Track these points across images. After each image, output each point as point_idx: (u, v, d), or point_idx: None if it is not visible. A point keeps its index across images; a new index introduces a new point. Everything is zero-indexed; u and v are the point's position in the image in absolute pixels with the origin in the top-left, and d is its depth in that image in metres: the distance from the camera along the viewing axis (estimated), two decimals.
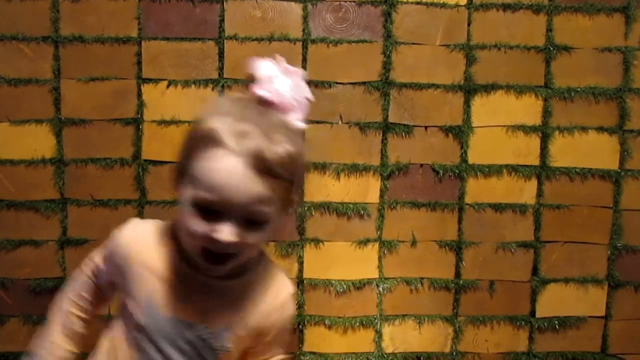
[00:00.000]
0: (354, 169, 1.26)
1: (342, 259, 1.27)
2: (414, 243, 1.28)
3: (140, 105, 1.22)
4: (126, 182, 1.23)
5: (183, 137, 0.69)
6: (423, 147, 1.27)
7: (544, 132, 1.28)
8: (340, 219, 1.27)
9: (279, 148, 0.64)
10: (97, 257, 0.80)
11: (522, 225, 1.30)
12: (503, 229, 1.29)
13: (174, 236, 0.72)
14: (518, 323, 1.31)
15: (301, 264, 1.27)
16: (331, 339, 1.29)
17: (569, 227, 1.30)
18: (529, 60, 1.27)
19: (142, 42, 1.21)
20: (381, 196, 1.27)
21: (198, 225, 0.65)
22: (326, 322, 1.28)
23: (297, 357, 1.28)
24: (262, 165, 0.62)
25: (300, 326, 1.28)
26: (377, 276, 1.29)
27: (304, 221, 1.26)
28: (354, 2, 1.23)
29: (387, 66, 1.25)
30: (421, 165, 1.28)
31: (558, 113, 1.28)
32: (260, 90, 0.69)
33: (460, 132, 1.27)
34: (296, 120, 0.71)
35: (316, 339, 1.29)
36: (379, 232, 1.28)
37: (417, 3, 1.24)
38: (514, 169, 1.28)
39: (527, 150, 1.28)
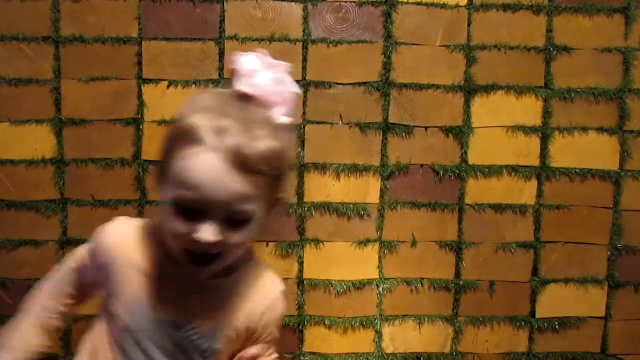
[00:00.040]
0: (354, 170, 1.26)
1: (343, 260, 1.28)
2: (414, 243, 1.28)
3: (141, 105, 1.22)
4: (127, 182, 1.23)
5: (164, 135, 0.67)
6: (423, 147, 1.27)
7: (544, 132, 1.28)
8: (340, 220, 1.27)
9: (261, 144, 0.62)
10: (79, 255, 0.78)
11: (522, 225, 1.30)
12: (503, 230, 1.29)
13: (160, 235, 0.70)
14: (518, 323, 1.31)
15: (301, 264, 1.27)
16: (331, 339, 1.29)
17: (569, 228, 1.30)
18: (529, 61, 1.27)
19: (143, 43, 1.22)
20: (381, 196, 1.27)
21: (179, 225, 0.63)
22: (326, 322, 1.28)
23: (297, 357, 1.28)
24: (242, 162, 0.61)
25: (300, 326, 1.28)
26: (378, 276, 1.29)
27: (304, 221, 1.26)
28: (355, 2, 1.24)
29: (387, 67, 1.25)
30: (421, 165, 1.28)
31: (558, 114, 1.28)
32: (241, 85, 0.67)
33: (460, 133, 1.27)
34: (281, 115, 0.68)
35: (316, 339, 1.29)
36: (379, 233, 1.28)
37: (418, 4, 1.24)
38: (514, 170, 1.29)
39: (527, 151, 1.29)
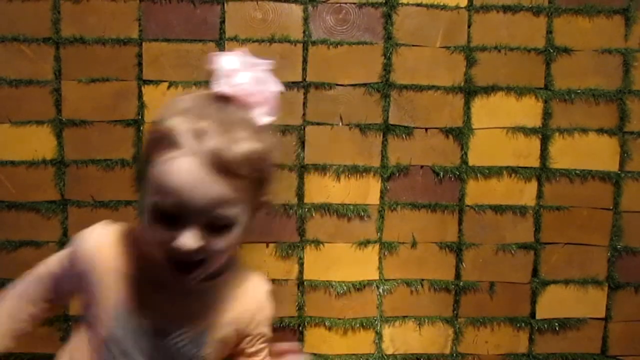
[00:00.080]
0: (354, 171, 1.26)
1: (343, 261, 1.28)
2: (414, 244, 1.29)
3: (141, 106, 1.22)
4: (127, 183, 1.23)
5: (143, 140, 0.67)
6: (423, 148, 1.27)
7: (544, 133, 1.28)
8: (340, 221, 1.27)
9: (241, 146, 0.60)
10: (57, 259, 0.76)
11: (522, 226, 1.30)
12: (503, 231, 1.29)
13: (142, 239, 0.68)
14: (518, 324, 1.31)
15: (301, 265, 1.27)
16: (331, 340, 1.29)
17: (569, 229, 1.30)
18: (529, 62, 1.27)
19: (143, 44, 1.22)
20: (381, 197, 1.27)
21: (159, 232, 0.61)
22: (326, 323, 1.28)
23: None
24: (222, 165, 0.59)
25: (300, 327, 1.28)
26: (378, 277, 1.29)
27: (304, 222, 1.26)
28: (355, 3, 1.24)
29: (387, 68, 1.25)
30: (421, 166, 1.28)
31: (558, 115, 1.28)
32: (220, 86, 0.65)
33: (460, 134, 1.27)
34: (262, 115, 0.66)
35: (316, 340, 1.29)
36: (379, 234, 1.28)
37: (418, 5, 1.24)
38: (514, 171, 1.29)
39: (527, 152, 1.29)
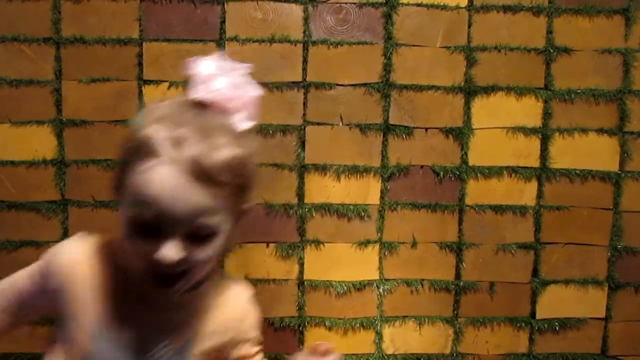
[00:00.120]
0: (355, 171, 1.26)
1: (343, 261, 1.28)
2: (414, 244, 1.29)
3: (142, 106, 1.22)
4: None
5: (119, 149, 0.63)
6: (423, 148, 1.27)
7: (544, 133, 1.28)
8: (340, 221, 1.27)
9: (221, 152, 0.59)
10: (25, 276, 0.72)
11: (522, 226, 1.30)
12: (503, 231, 1.29)
13: (120, 252, 0.65)
14: (518, 324, 1.31)
15: (302, 265, 1.27)
16: (331, 340, 1.29)
17: (569, 229, 1.30)
18: (529, 62, 1.27)
19: (143, 44, 1.22)
20: (381, 197, 1.27)
21: (138, 245, 0.59)
22: (326, 323, 1.28)
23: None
24: (202, 173, 0.57)
25: (300, 327, 1.28)
26: (378, 277, 1.29)
27: (304, 222, 1.26)
28: (355, 3, 1.24)
29: (387, 68, 1.25)
30: (421, 166, 1.28)
31: (558, 114, 1.28)
32: (196, 92, 0.63)
33: (460, 134, 1.27)
34: (241, 120, 0.64)
35: (316, 340, 1.27)
36: (379, 234, 1.28)
37: (418, 5, 1.24)
38: (514, 171, 1.29)
39: (527, 152, 1.29)
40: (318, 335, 1.28)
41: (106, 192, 1.23)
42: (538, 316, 1.31)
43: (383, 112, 1.26)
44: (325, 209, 1.26)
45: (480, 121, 1.27)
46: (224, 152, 0.59)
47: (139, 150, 0.59)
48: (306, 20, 1.23)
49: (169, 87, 1.22)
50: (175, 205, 0.57)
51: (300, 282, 1.27)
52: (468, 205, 1.28)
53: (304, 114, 1.25)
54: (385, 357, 1.30)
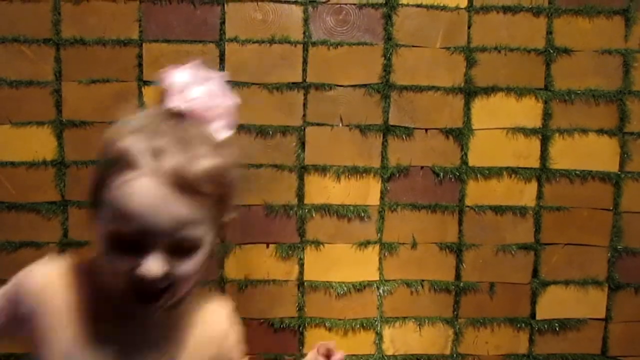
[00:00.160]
0: (355, 171, 1.26)
1: (343, 261, 1.28)
2: (414, 245, 1.29)
3: (142, 107, 1.22)
4: None
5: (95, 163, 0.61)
6: (423, 149, 1.27)
7: (544, 134, 1.28)
8: (340, 221, 1.27)
9: (202, 162, 0.57)
10: None
11: (522, 227, 1.30)
12: (503, 231, 1.29)
13: (95, 271, 0.63)
14: (518, 325, 1.31)
15: (302, 266, 1.27)
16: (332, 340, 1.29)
17: (569, 229, 1.30)
18: (529, 63, 1.27)
19: (143, 44, 1.22)
20: (381, 198, 1.27)
21: (118, 262, 0.57)
22: (326, 324, 1.28)
23: (297, 359, 1.28)
24: (183, 184, 0.55)
25: (300, 328, 1.28)
26: (378, 278, 1.29)
27: (304, 223, 1.26)
28: (355, 4, 1.24)
29: (387, 68, 1.25)
30: (421, 167, 1.28)
31: (558, 115, 1.28)
32: (172, 102, 0.62)
33: (460, 135, 1.27)
34: (220, 129, 0.63)
35: (316, 341, 1.27)
36: (379, 234, 1.28)
37: (418, 5, 1.24)
38: (514, 171, 1.29)
39: (527, 153, 1.29)
40: (318, 335, 1.28)
41: None
42: (538, 317, 1.31)
43: (383, 113, 1.26)
44: (325, 209, 1.26)
45: (480, 122, 1.27)
46: (204, 162, 0.57)
47: (117, 163, 0.57)
48: (306, 21, 1.23)
49: None
50: (158, 217, 0.55)
51: (300, 283, 1.28)
52: (468, 206, 1.28)
53: (304, 115, 1.25)
54: (385, 357, 1.30)
